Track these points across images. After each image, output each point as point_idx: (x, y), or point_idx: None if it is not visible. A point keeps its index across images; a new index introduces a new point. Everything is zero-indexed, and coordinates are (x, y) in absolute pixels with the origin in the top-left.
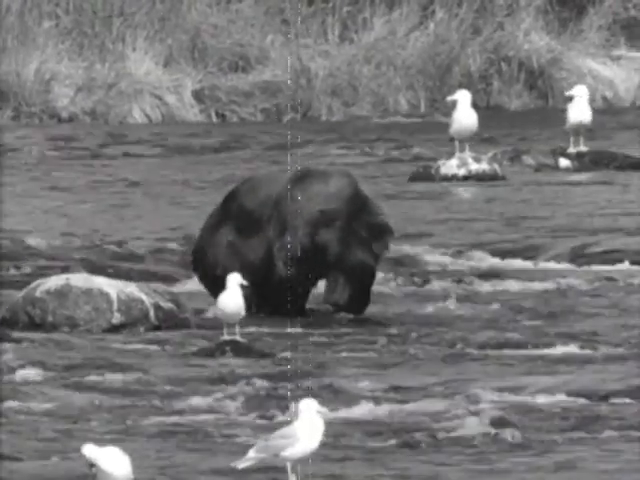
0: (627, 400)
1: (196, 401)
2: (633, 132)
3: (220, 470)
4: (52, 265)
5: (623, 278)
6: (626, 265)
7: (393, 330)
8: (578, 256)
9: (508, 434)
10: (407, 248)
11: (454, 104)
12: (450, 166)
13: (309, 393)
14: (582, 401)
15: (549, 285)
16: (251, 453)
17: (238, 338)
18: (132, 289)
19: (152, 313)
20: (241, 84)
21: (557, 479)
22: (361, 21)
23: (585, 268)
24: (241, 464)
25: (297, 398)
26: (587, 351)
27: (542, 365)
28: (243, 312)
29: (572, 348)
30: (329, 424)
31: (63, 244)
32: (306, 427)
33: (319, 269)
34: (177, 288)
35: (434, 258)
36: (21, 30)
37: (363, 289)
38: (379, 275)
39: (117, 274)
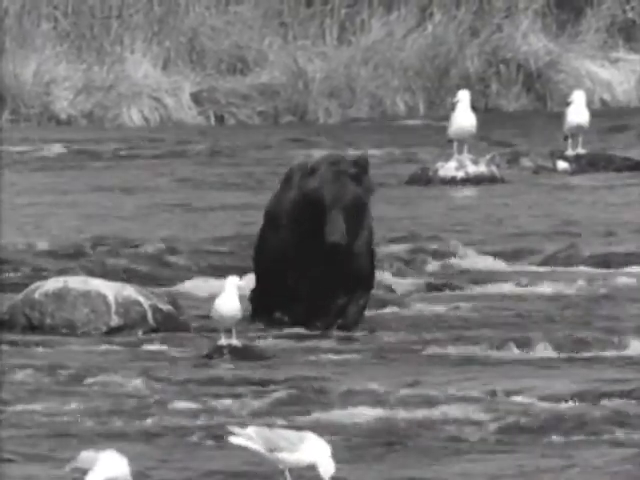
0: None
1: (193, 404)
2: (631, 134)
3: (216, 473)
4: (50, 267)
5: (621, 281)
6: (624, 268)
7: (397, 331)
8: (575, 259)
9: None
10: (405, 250)
11: (453, 106)
12: (448, 168)
13: (309, 398)
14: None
15: (547, 288)
16: (251, 431)
17: (235, 342)
18: (130, 291)
19: (150, 315)
20: (239, 86)
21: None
22: (359, 23)
23: (582, 270)
24: (237, 439)
25: (298, 404)
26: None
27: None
28: (239, 315)
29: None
30: (336, 427)
31: (61, 246)
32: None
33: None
34: (176, 290)
35: (432, 260)
36: (19, 32)
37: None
38: (381, 277)
39: (115, 276)
